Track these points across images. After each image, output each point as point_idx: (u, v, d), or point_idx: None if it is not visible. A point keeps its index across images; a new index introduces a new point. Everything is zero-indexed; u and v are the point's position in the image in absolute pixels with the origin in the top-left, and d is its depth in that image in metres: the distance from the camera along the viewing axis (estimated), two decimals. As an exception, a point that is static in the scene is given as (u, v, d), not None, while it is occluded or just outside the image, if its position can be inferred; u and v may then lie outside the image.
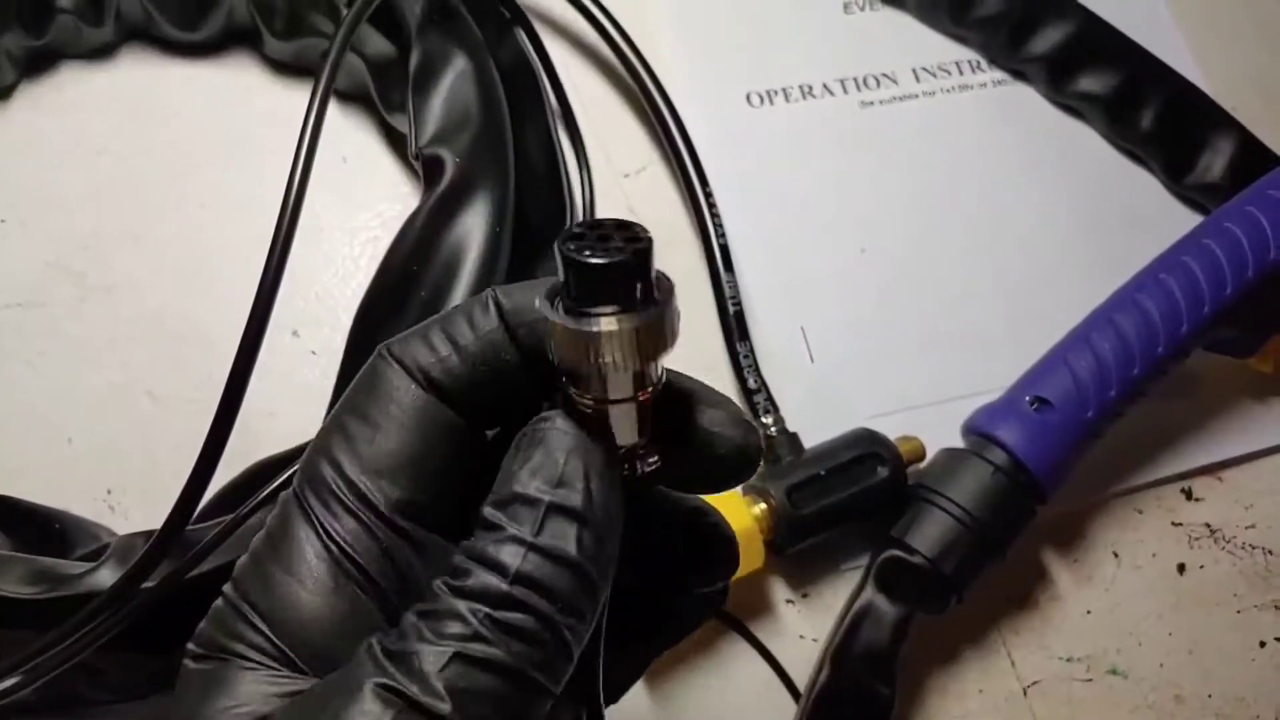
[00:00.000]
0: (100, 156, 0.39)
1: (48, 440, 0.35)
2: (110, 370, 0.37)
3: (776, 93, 0.44)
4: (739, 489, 0.36)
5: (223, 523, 0.30)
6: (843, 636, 0.34)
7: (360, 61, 0.39)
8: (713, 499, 0.34)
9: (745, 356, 0.39)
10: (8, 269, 0.38)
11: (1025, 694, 0.37)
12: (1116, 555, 0.39)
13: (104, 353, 0.37)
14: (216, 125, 0.41)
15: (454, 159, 0.35)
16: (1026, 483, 0.35)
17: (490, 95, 0.37)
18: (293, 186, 0.28)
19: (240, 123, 0.41)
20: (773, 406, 0.38)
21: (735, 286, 0.40)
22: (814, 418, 0.38)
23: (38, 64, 0.40)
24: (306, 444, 0.27)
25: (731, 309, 0.39)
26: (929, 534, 0.35)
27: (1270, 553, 0.40)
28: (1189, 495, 0.41)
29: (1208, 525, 0.40)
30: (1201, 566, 0.40)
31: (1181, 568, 0.40)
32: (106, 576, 0.29)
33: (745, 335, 0.39)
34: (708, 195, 0.40)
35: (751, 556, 0.35)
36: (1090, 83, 0.43)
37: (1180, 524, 0.40)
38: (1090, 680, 0.38)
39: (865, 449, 0.36)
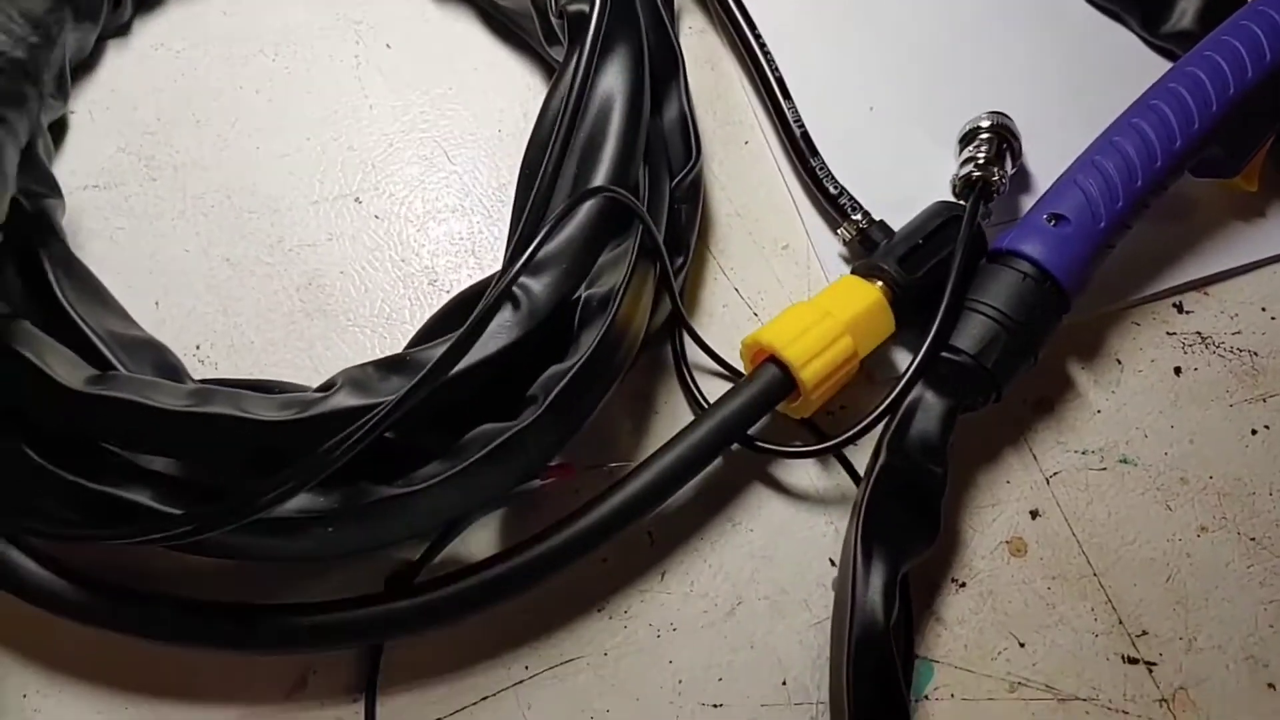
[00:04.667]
0: (157, 50, 0.42)
1: (137, 306, 0.37)
2: (186, 240, 0.39)
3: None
4: (852, 273, 0.39)
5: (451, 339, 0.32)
6: (897, 425, 0.37)
7: None
8: (839, 284, 0.37)
9: (821, 168, 0.42)
10: (82, 155, 0.39)
11: (1048, 482, 0.41)
12: (1120, 362, 0.43)
13: (177, 225, 0.39)
14: (264, 18, 0.43)
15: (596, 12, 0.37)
16: (1052, 289, 0.38)
17: None
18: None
19: (285, 17, 0.43)
20: (857, 204, 0.41)
21: (796, 110, 0.42)
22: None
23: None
24: (495, 275, 0.29)
25: (798, 131, 0.42)
26: (972, 334, 0.37)
27: (1255, 354, 0.44)
28: (1180, 309, 0.44)
29: (1198, 333, 0.44)
30: (1195, 369, 0.43)
31: (1178, 370, 0.43)
32: (344, 398, 0.31)
33: (815, 151, 0.42)
34: (758, 37, 0.43)
35: (885, 324, 0.38)
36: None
37: (1174, 333, 0.44)
38: (1104, 469, 0.41)
39: (948, 214, 0.39)
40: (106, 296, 0.35)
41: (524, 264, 0.30)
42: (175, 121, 0.40)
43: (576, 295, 0.35)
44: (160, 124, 0.40)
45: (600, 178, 0.35)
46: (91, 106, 0.40)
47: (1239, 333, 0.44)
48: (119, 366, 0.33)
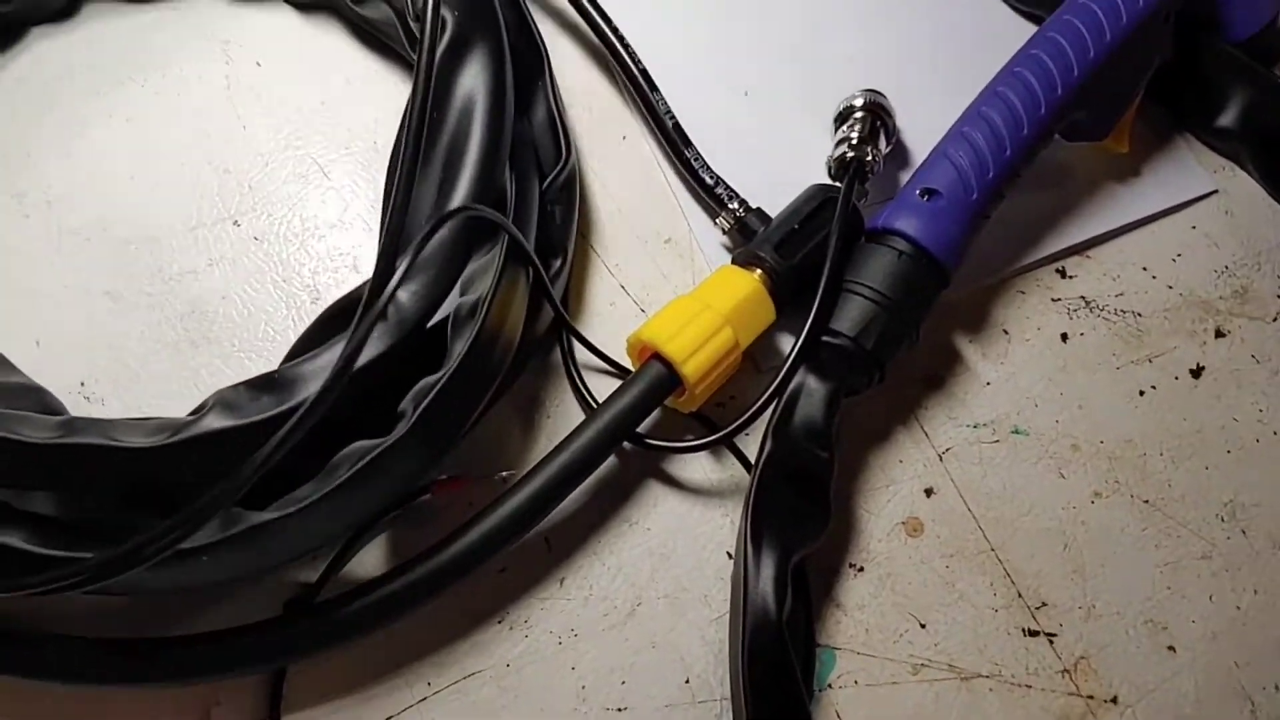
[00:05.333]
0: (22, 85, 0.41)
1: (17, 347, 0.36)
2: (64, 276, 0.38)
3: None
4: (731, 263, 0.39)
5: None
6: (781, 412, 0.37)
7: None
8: (717, 276, 0.38)
9: (695, 159, 0.42)
10: (-51, 196, 0.39)
11: (941, 459, 0.41)
12: (1006, 332, 0.43)
13: (54, 261, 0.38)
14: (131, 46, 0.43)
15: (453, 15, 0.37)
16: (929, 264, 0.38)
17: None
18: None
19: (154, 42, 0.43)
20: (734, 193, 0.41)
21: (665, 102, 0.42)
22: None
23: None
24: (364, 285, 0.29)
25: (669, 123, 0.42)
26: (850, 316, 0.38)
27: (1139, 315, 0.44)
28: (1063, 274, 0.45)
29: (1083, 298, 0.44)
30: (1081, 334, 0.44)
31: (1064, 337, 0.44)
32: (215, 420, 0.31)
33: (688, 141, 0.42)
34: (615, 30, 0.43)
35: (765, 312, 0.38)
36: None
37: (1059, 299, 0.44)
38: (997, 441, 0.42)
39: (824, 196, 0.39)
40: (-22, 344, 0.35)
41: (389, 296, 0.30)
42: (45, 156, 0.40)
43: (448, 306, 0.35)
44: (30, 159, 0.40)
45: (464, 183, 0.35)
46: (-43, 147, 0.40)
47: (1122, 294, 0.44)
48: (-4, 410, 0.32)
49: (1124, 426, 0.42)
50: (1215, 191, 0.47)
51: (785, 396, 0.37)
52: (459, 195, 0.35)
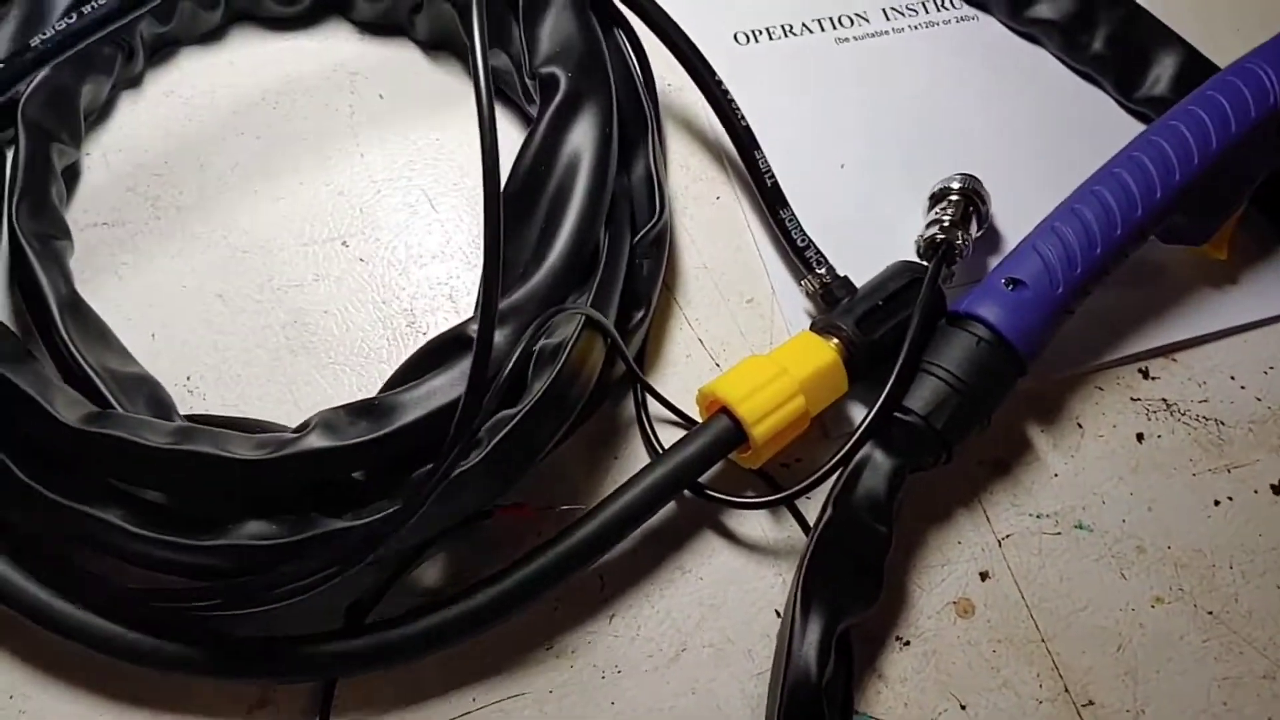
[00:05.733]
0: (167, 98, 0.44)
1: (135, 337, 0.39)
2: (184, 276, 0.41)
3: (761, 32, 0.48)
4: (811, 329, 0.40)
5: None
6: (844, 481, 0.37)
7: (448, 8, 0.43)
8: (796, 341, 0.39)
9: (790, 220, 0.43)
10: (95, 195, 0.42)
11: (1000, 544, 0.41)
12: (1080, 426, 0.43)
13: (177, 262, 0.41)
14: (267, 68, 0.46)
15: (566, 75, 0.39)
16: (1007, 353, 0.38)
17: (585, 21, 0.41)
18: (485, 132, 0.31)
19: (289, 68, 0.46)
20: (823, 258, 0.42)
21: (767, 161, 0.43)
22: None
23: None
24: (464, 323, 0.31)
25: (768, 182, 0.43)
26: (923, 396, 0.38)
27: (1222, 423, 0.44)
28: (1145, 374, 0.44)
29: (1164, 400, 0.44)
30: (1159, 436, 0.43)
31: (1140, 437, 0.43)
32: (317, 439, 0.33)
33: (784, 202, 0.43)
34: (723, 90, 0.44)
35: (838, 384, 0.39)
36: (1045, 9, 0.47)
37: (1138, 399, 0.44)
38: (1059, 534, 0.41)
39: (909, 275, 0.40)
40: (107, 334, 0.38)
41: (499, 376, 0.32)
42: (180, 165, 0.43)
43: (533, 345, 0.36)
44: (167, 167, 0.43)
45: (564, 236, 0.37)
46: (106, 150, 0.43)
47: (1206, 401, 0.44)
48: (115, 403, 0.35)
49: (1194, 534, 0.41)
50: (1311, 308, 0.46)
51: (850, 466, 0.38)
52: (558, 246, 0.37)
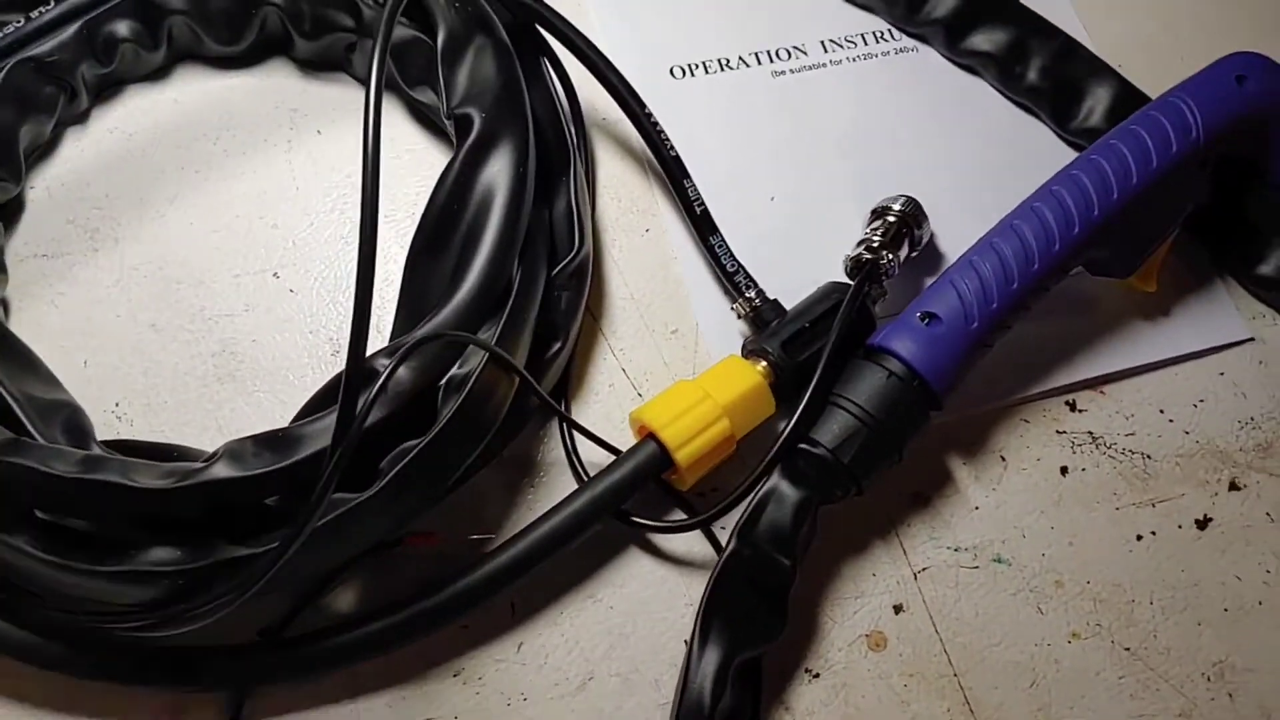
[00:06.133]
0: (112, 134, 0.46)
1: (66, 364, 0.40)
2: (118, 306, 0.42)
3: (697, 66, 0.48)
4: (740, 354, 0.41)
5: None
6: (750, 512, 0.37)
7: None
8: (722, 365, 0.39)
9: (719, 245, 0.43)
10: (37, 226, 0.43)
11: (915, 577, 0.41)
12: (1004, 459, 0.43)
13: (112, 293, 0.42)
14: (210, 105, 0.47)
15: (480, 114, 0.40)
16: (920, 388, 0.38)
17: (507, 63, 0.41)
18: (368, 156, 0.33)
19: (231, 104, 0.47)
20: (753, 282, 0.42)
21: (696, 190, 0.44)
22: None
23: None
24: (374, 354, 0.33)
25: (698, 209, 0.44)
26: (832, 429, 0.38)
27: (1149, 457, 0.43)
28: (1073, 407, 0.44)
29: (1090, 433, 0.44)
30: (1083, 469, 0.43)
31: (1064, 470, 0.43)
32: (222, 469, 0.34)
33: (714, 228, 0.43)
34: (652, 121, 0.44)
35: (764, 406, 0.39)
36: (982, 41, 0.47)
37: (1064, 431, 0.44)
38: (976, 567, 0.41)
39: (837, 296, 0.40)
40: (34, 362, 0.39)
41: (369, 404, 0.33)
42: (121, 198, 0.44)
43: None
44: (108, 200, 0.44)
45: (475, 271, 0.38)
46: (50, 184, 0.44)
47: (1133, 434, 0.44)
48: (31, 429, 0.36)
49: (1115, 569, 0.41)
50: (1251, 339, 0.45)
51: (756, 497, 0.38)
52: (469, 281, 0.37)
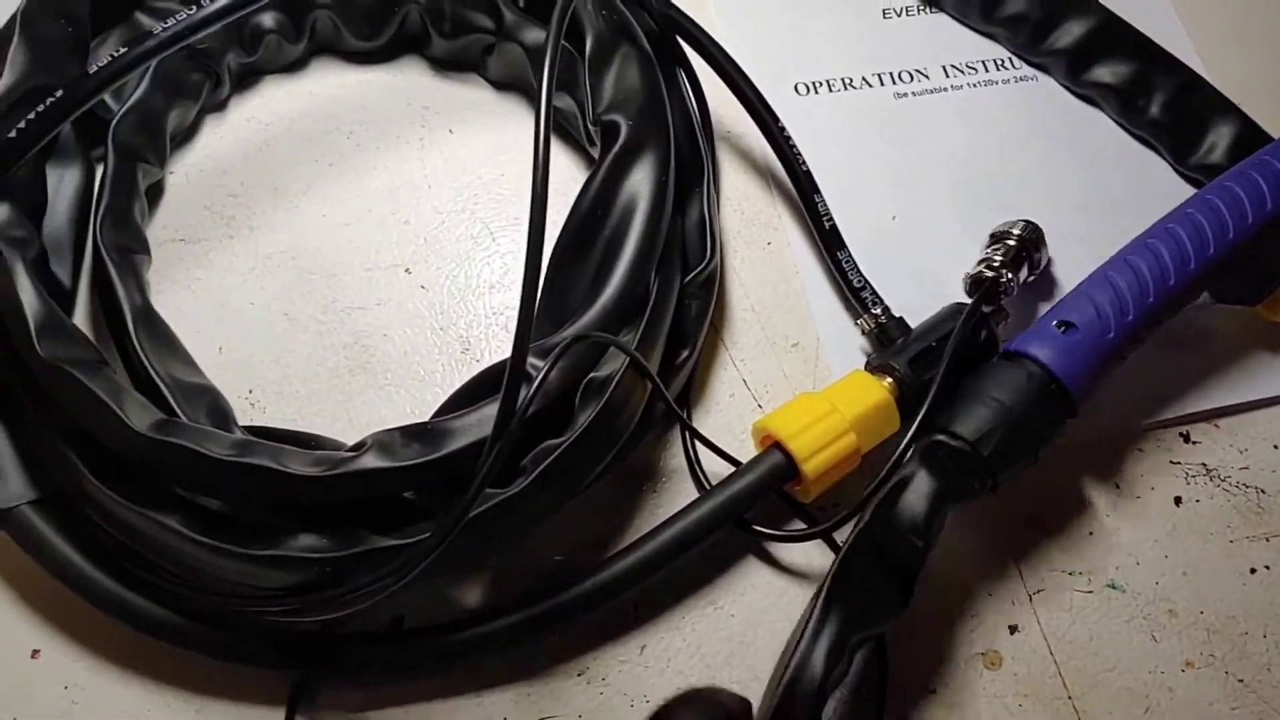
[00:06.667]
0: (249, 123, 0.46)
1: (202, 349, 0.41)
2: (252, 294, 0.43)
3: (821, 84, 0.49)
4: (866, 369, 0.41)
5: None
6: (887, 494, 0.37)
7: (520, 51, 0.45)
8: (849, 379, 0.39)
9: (846, 261, 0.44)
10: (175, 211, 0.44)
11: (1031, 599, 0.41)
12: (1118, 486, 0.43)
13: (246, 280, 0.43)
14: (344, 99, 0.48)
15: (627, 122, 0.40)
16: (1057, 391, 0.38)
17: (650, 72, 0.42)
18: (538, 172, 0.34)
19: (365, 99, 0.48)
20: (879, 298, 0.43)
21: (825, 205, 0.44)
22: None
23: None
24: (506, 360, 0.33)
25: (826, 224, 0.44)
26: (971, 422, 0.38)
27: (1263, 491, 0.43)
28: (1187, 438, 0.44)
29: (1204, 465, 0.44)
30: (1197, 501, 0.43)
31: (1178, 500, 0.43)
32: (372, 459, 0.34)
33: (842, 244, 0.44)
34: (785, 135, 0.45)
35: (890, 422, 0.39)
36: (1105, 73, 0.48)
37: (1178, 462, 0.44)
38: (1091, 592, 0.41)
39: (961, 316, 0.40)
40: (176, 344, 0.40)
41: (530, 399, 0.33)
42: (256, 187, 0.45)
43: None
44: (243, 188, 0.45)
45: (616, 278, 0.38)
46: (188, 170, 0.45)
47: (1247, 468, 0.44)
48: (178, 411, 0.37)
49: (1229, 601, 0.41)
50: (1367, 380, 0.46)
51: (893, 483, 0.38)
52: (610, 287, 0.38)
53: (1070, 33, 0.48)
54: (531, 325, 0.33)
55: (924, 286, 0.44)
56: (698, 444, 0.42)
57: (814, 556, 0.41)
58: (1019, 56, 0.50)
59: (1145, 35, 0.48)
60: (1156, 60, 0.48)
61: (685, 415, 0.42)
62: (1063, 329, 0.40)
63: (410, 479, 0.35)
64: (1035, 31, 0.49)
